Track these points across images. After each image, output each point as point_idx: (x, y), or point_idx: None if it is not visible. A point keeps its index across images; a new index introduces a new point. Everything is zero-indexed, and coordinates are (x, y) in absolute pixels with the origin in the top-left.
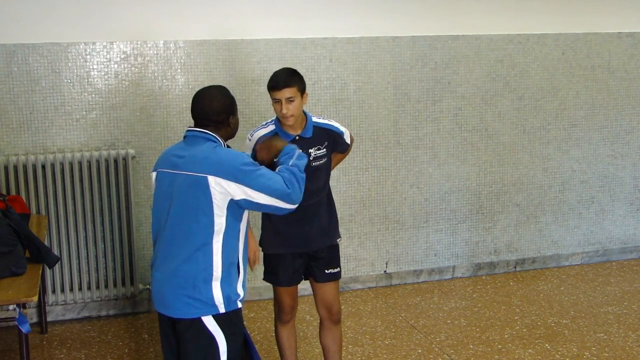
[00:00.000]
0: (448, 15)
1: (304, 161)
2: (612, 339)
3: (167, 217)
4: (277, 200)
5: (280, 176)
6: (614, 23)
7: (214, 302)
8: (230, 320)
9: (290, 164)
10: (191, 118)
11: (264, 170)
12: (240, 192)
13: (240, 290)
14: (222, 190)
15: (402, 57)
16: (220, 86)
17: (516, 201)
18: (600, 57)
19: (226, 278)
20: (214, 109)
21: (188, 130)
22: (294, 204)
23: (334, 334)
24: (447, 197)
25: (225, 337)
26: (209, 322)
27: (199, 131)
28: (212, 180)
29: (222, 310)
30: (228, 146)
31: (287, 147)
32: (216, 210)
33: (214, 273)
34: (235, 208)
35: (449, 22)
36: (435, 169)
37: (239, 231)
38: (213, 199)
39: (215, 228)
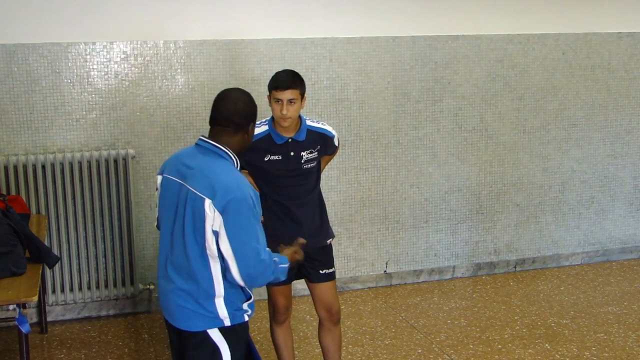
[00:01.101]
0: (448, 15)
1: (283, 275)
2: (612, 339)
3: (172, 228)
4: (234, 260)
5: (265, 253)
6: (614, 23)
7: (219, 316)
8: (236, 332)
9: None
10: (191, 119)
11: (258, 228)
12: (218, 224)
13: (246, 308)
14: (211, 215)
15: (402, 57)
16: (245, 91)
17: (516, 201)
18: (600, 57)
19: (229, 297)
20: (238, 111)
21: (201, 140)
22: (243, 280)
23: (334, 335)
24: (447, 197)
25: (230, 348)
26: (214, 333)
27: (213, 145)
28: (207, 204)
29: (227, 323)
30: (242, 168)
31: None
32: (207, 234)
33: (216, 292)
34: None
35: (449, 22)
36: (435, 169)
37: None
38: (206, 223)
39: (208, 251)
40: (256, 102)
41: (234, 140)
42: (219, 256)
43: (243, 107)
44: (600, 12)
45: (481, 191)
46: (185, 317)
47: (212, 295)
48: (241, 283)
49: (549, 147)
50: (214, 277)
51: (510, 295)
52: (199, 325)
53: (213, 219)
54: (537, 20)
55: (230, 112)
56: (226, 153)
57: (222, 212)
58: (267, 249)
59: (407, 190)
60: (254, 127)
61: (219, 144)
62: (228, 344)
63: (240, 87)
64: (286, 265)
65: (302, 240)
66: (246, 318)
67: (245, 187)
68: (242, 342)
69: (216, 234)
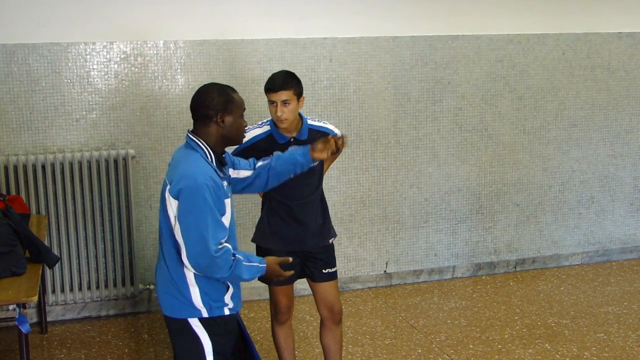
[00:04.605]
0: (448, 15)
1: (248, 274)
2: (612, 339)
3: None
4: (184, 246)
5: (214, 244)
6: (614, 23)
7: (195, 305)
8: (217, 325)
9: (243, 255)
10: (191, 119)
11: (211, 220)
12: (173, 213)
13: (228, 301)
14: (169, 202)
15: (402, 57)
16: (220, 84)
17: (516, 201)
18: (600, 57)
19: (205, 288)
20: (203, 103)
21: (186, 134)
22: (192, 266)
23: (335, 334)
24: (447, 197)
25: (210, 339)
26: (194, 323)
27: (190, 138)
28: (167, 191)
29: (205, 314)
30: (222, 161)
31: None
32: (172, 222)
33: (188, 280)
34: None
35: (449, 22)
36: (435, 169)
37: None
38: (168, 209)
39: (177, 239)
40: (257, 102)
41: (209, 131)
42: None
43: (207, 98)
44: (600, 12)
45: (481, 191)
46: (168, 303)
47: (184, 282)
48: (192, 270)
49: (549, 147)
50: (183, 267)
51: (510, 295)
52: (178, 312)
53: (171, 205)
54: (537, 20)
55: (197, 105)
56: (198, 145)
57: (176, 199)
58: (227, 244)
59: (407, 190)
60: (228, 116)
61: (196, 136)
62: (209, 335)
63: (240, 87)
64: (257, 265)
65: (289, 259)
66: (226, 312)
67: (202, 176)
68: (227, 336)
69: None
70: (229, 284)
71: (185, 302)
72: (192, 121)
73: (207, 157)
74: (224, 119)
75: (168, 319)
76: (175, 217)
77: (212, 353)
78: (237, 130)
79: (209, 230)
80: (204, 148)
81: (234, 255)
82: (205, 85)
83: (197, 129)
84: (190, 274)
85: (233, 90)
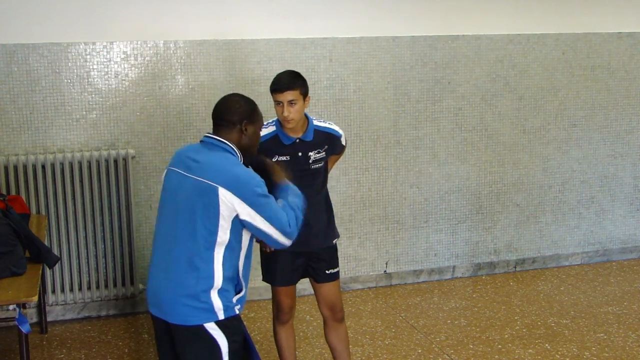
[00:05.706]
0: (448, 15)
1: (301, 200)
2: (612, 339)
3: (172, 218)
4: (277, 232)
5: (285, 212)
6: (614, 23)
7: (214, 309)
8: (231, 324)
9: (289, 201)
10: (191, 119)
11: (272, 200)
12: (246, 212)
13: (237, 302)
14: (230, 205)
15: (402, 57)
16: (244, 96)
17: (516, 201)
18: (600, 57)
19: (224, 290)
20: (229, 108)
21: (206, 136)
22: (290, 239)
23: (340, 333)
24: (447, 197)
25: (227, 340)
26: (211, 327)
27: (217, 139)
28: (222, 192)
29: (221, 317)
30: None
31: (283, 183)
32: (221, 222)
33: (215, 283)
34: (238, 224)
35: (449, 22)
36: (435, 169)
37: (241, 249)
38: (220, 211)
39: (218, 240)
40: (258, 102)
41: (231, 137)
42: (242, 241)
43: (234, 105)
44: (600, 12)
45: (481, 191)
46: (180, 311)
47: (210, 287)
48: (288, 243)
49: (549, 147)
50: (214, 267)
51: (510, 295)
52: (194, 319)
53: (233, 207)
54: (537, 20)
55: (222, 110)
56: (232, 148)
57: (247, 202)
58: (280, 201)
59: (407, 190)
60: (250, 126)
61: (223, 139)
62: (226, 336)
63: (240, 87)
64: (285, 187)
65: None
66: (237, 311)
67: (254, 174)
68: (239, 335)
69: (247, 222)
70: (242, 286)
71: (203, 305)
72: (192, 121)
73: (239, 160)
74: (247, 127)
75: (179, 327)
76: (245, 220)
77: (228, 354)
78: (254, 142)
79: (285, 209)
80: (237, 152)
81: (292, 210)
82: (230, 94)
83: (219, 133)
84: (219, 276)
85: (255, 103)
